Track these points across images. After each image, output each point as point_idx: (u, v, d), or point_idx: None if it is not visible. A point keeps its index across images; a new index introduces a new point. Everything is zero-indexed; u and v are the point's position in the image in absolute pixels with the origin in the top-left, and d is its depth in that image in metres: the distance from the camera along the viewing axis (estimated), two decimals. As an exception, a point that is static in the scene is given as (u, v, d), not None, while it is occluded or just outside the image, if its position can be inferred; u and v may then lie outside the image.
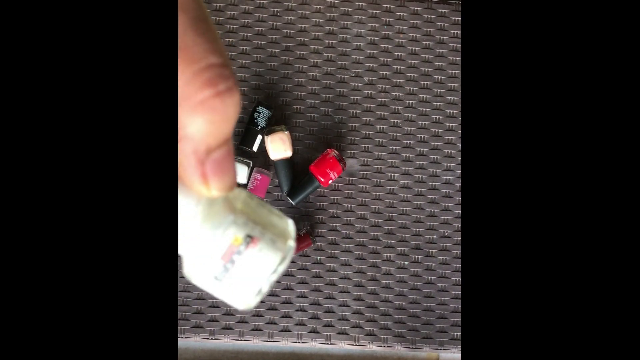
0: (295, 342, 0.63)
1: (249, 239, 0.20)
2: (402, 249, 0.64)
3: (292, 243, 0.21)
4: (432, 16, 0.66)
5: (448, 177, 0.65)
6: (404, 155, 0.65)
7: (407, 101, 0.65)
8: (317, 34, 0.65)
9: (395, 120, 0.65)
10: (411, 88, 0.65)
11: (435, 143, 0.65)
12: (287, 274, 0.64)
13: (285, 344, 0.63)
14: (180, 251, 0.21)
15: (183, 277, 0.63)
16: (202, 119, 0.18)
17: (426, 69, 0.66)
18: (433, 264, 0.65)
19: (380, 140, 0.65)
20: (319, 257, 0.64)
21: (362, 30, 0.65)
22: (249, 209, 0.21)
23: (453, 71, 0.66)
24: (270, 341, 0.63)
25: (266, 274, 0.21)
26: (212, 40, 0.18)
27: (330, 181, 0.62)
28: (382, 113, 0.65)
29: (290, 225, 0.23)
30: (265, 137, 0.62)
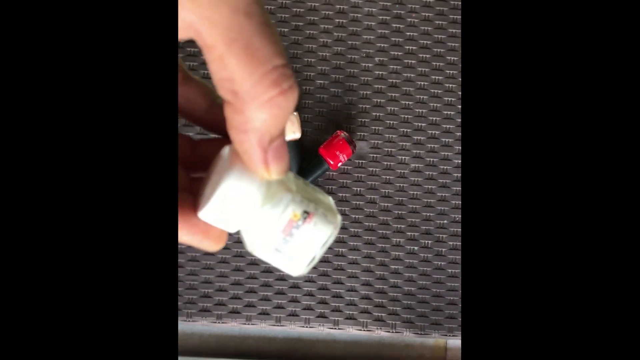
0: (303, 327, 0.63)
1: (306, 214, 0.24)
2: (412, 234, 0.63)
3: (339, 217, 0.25)
4: (446, -6, 0.64)
5: (459, 161, 0.64)
6: (415, 138, 0.64)
7: (419, 82, 0.64)
8: (327, 12, 0.64)
9: (407, 102, 0.64)
10: (423, 69, 0.64)
11: (448, 126, 0.64)
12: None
13: (292, 328, 0.63)
14: (243, 228, 0.24)
15: (190, 260, 0.62)
16: (267, 114, 0.21)
17: (439, 50, 0.64)
18: (443, 250, 0.63)
19: (391, 122, 0.64)
20: (327, 241, 0.63)
21: (374, 9, 0.64)
22: (301, 188, 0.24)
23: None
24: (278, 325, 0.63)
25: (319, 244, 0.24)
26: (275, 43, 0.20)
27: (339, 164, 0.61)
28: (393, 95, 0.64)
29: (332, 201, 0.26)
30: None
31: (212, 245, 0.25)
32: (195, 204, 0.25)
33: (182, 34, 0.21)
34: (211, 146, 0.27)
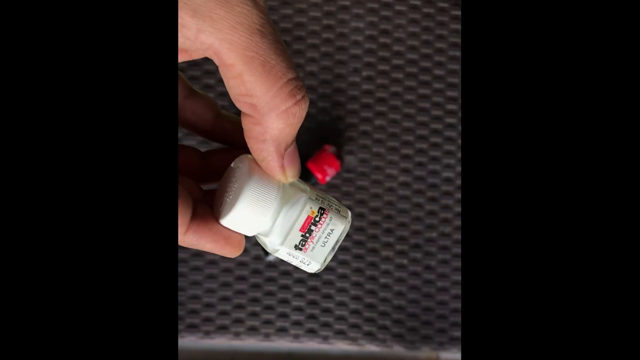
0: (292, 342, 0.62)
1: (322, 210, 0.25)
2: (401, 247, 0.63)
3: (350, 212, 0.27)
4: (432, 10, 0.64)
5: (448, 175, 0.64)
6: (403, 152, 0.64)
7: (407, 97, 0.64)
8: (314, 28, 0.64)
9: (395, 117, 0.64)
10: (410, 83, 0.64)
11: (435, 140, 0.64)
12: (283, 272, 0.63)
13: (282, 344, 0.62)
14: (263, 231, 0.26)
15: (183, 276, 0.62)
16: (285, 123, 0.23)
17: (425, 64, 0.64)
18: (432, 263, 0.64)
19: (379, 136, 0.64)
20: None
21: (361, 25, 0.64)
22: (312, 188, 0.27)
23: (453, 66, 0.64)
24: (267, 341, 0.62)
25: (335, 238, 0.26)
26: (288, 58, 0.22)
27: (327, 178, 0.61)
28: (381, 109, 0.64)
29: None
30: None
31: (233, 251, 0.26)
32: (213, 214, 0.26)
33: (201, 54, 0.23)
34: (219, 157, 0.28)
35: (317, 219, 0.26)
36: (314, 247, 0.26)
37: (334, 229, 0.26)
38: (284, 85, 0.22)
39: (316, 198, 0.26)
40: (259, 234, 0.27)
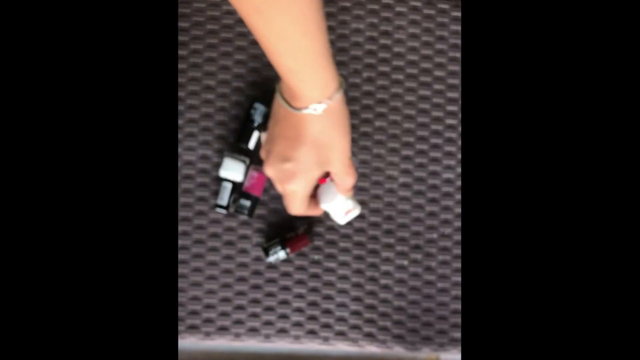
0: (293, 344, 0.62)
1: (354, 207, 0.57)
2: (402, 248, 0.63)
3: (360, 206, 0.59)
4: (432, 12, 0.64)
5: (448, 176, 0.64)
6: (404, 153, 0.64)
7: (407, 98, 0.64)
8: (315, 29, 0.64)
9: (395, 118, 0.64)
10: (411, 85, 0.64)
11: (436, 141, 0.64)
12: (284, 274, 0.63)
13: (282, 345, 0.62)
14: (333, 210, 0.58)
15: (179, 276, 0.62)
16: (351, 179, 0.55)
17: (426, 66, 0.64)
18: (433, 264, 0.64)
19: (380, 137, 0.64)
20: (316, 257, 0.63)
21: (361, 26, 0.64)
22: (350, 198, 0.58)
23: (453, 68, 0.64)
24: (267, 342, 0.62)
25: (353, 216, 0.59)
26: (352, 161, 0.54)
27: (328, 179, 0.61)
28: (382, 110, 0.64)
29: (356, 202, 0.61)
30: (262, 134, 0.61)
31: (320, 214, 0.60)
32: (316, 200, 0.58)
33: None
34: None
35: (350, 209, 0.58)
36: (344, 217, 0.58)
37: (354, 213, 0.58)
38: (350, 168, 0.54)
39: (353, 202, 0.58)
40: (331, 210, 0.57)
